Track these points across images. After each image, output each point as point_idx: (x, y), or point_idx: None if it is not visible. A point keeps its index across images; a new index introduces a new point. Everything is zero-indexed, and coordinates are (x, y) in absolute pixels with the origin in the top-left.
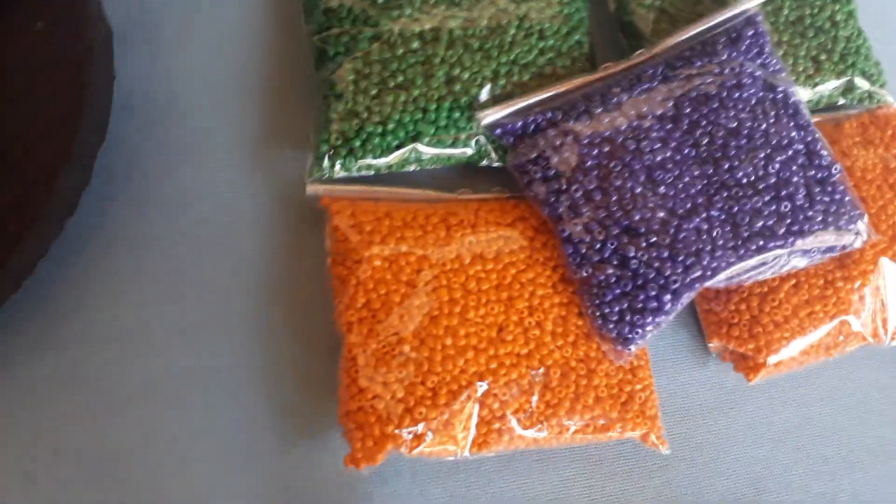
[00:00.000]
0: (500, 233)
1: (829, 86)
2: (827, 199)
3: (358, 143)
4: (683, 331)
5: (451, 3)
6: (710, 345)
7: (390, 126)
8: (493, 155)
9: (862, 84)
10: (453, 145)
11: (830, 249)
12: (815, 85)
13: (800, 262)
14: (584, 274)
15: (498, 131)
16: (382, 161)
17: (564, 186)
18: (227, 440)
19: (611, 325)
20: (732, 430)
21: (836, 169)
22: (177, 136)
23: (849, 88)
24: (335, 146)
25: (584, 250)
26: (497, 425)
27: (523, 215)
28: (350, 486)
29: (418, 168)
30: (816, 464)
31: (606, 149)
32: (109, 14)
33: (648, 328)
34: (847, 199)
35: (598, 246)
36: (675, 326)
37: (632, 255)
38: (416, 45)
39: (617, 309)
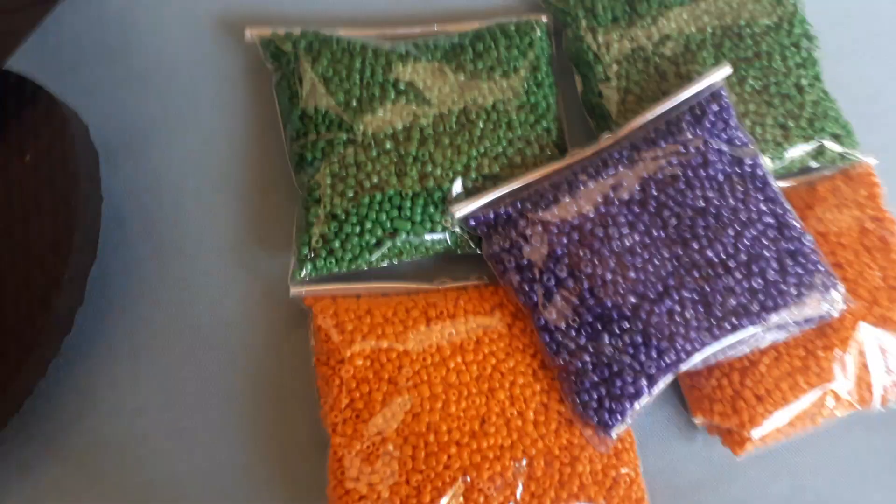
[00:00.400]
0: (479, 321)
1: (799, 150)
2: (800, 270)
3: (338, 244)
4: (668, 406)
5: (421, 101)
6: (696, 420)
7: (368, 225)
8: (471, 244)
9: (832, 147)
10: (432, 234)
11: (808, 321)
12: (785, 151)
13: (778, 336)
14: (561, 362)
15: (472, 223)
16: (362, 259)
17: (537, 275)
18: None
19: (590, 412)
20: None
21: (807, 239)
22: (165, 244)
23: (820, 152)
24: (316, 248)
25: (559, 338)
26: None
27: (501, 302)
28: None
29: (398, 262)
30: None
31: (575, 236)
32: (96, 134)
33: (628, 413)
34: (821, 268)
35: (573, 333)
36: (660, 402)
37: (606, 341)
38: (388, 145)
39: (595, 395)
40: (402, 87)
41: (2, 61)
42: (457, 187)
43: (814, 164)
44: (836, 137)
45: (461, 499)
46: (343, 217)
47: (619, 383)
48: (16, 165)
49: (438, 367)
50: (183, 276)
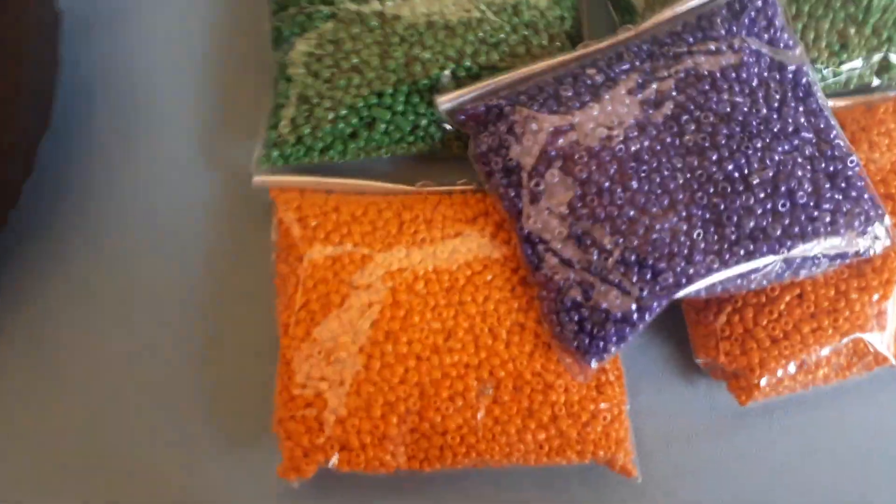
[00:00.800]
0: (458, 228)
1: (859, 63)
2: (839, 196)
3: (307, 130)
4: (669, 343)
5: None
6: (698, 360)
7: (342, 111)
8: (458, 145)
9: None
10: (413, 133)
11: (843, 256)
12: (842, 63)
13: (804, 271)
14: (542, 277)
15: (460, 117)
16: (335, 151)
17: (525, 179)
18: (167, 443)
19: (569, 336)
20: (721, 460)
21: (851, 161)
22: (131, 122)
23: (884, 67)
24: (283, 133)
25: (541, 250)
26: (437, 441)
27: (487, 210)
28: (289, 497)
29: (376, 157)
30: None
31: (574, 136)
32: (71, 4)
33: (612, 342)
34: (865, 196)
35: (558, 246)
36: (660, 338)
37: (594, 257)
38: (373, 22)
39: (576, 317)
40: None
41: None
42: (446, 77)
43: (877, 82)
44: None
45: (416, 417)
46: (316, 100)
47: (604, 305)
48: None
49: (405, 273)
50: (147, 156)
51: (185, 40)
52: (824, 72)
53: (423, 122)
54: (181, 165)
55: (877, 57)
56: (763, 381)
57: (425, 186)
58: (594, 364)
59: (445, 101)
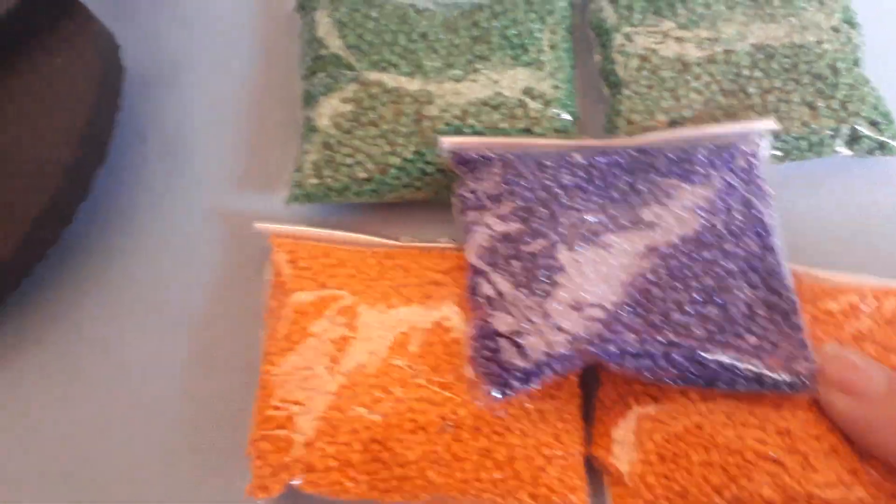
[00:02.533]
0: (433, 277)
1: (827, 129)
2: (771, 325)
3: (328, 173)
4: None
5: (430, 51)
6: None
7: (359, 157)
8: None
9: (868, 132)
10: (420, 179)
11: (758, 381)
12: (811, 132)
13: (719, 383)
14: (475, 302)
15: (457, 160)
16: (352, 191)
17: (485, 211)
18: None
19: (481, 362)
20: None
21: (792, 301)
22: (175, 164)
23: (854, 138)
24: (307, 175)
25: (481, 279)
26: (398, 471)
27: (461, 265)
28: None
29: (386, 200)
30: None
31: (542, 194)
32: (133, 62)
33: (516, 380)
34: (798, 336)
35: (497, 279)
36: None
37: (524, 298)
38: (390, 85)
39: (492, 346)
40: (414, 37)
41: None
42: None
43: (848, 152)
44: (873, 124)
45: (379, 446)
46: (336, 148)
47: (520, 342)
48: (46, 66)
49: (382, 313)
50: (182, 194)
51: (227, 99)
52: (796, 140)
53: (430, 169)
54: (208, 206)
55: (845, 127)
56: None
57: (409, 241)
58: (496, 394)
59: (448, 143)
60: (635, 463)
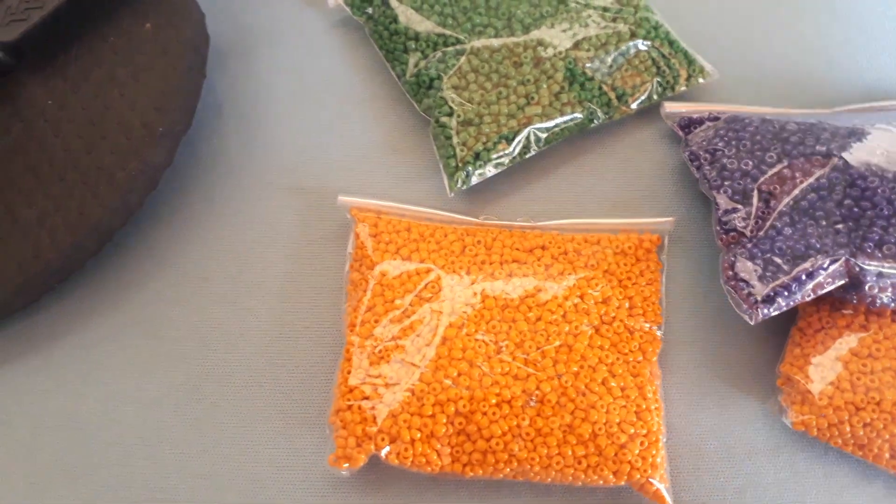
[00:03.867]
0: (515, 255)
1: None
2: None
3: (480, 146)
4: (715, 379)
5: (533, 10)
6: (780, 373)
7: (502, 120)
8: (600, 114)
9: None
10: (563, 117)
11: None
12: None
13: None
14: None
15: (680, 121)
16: (507, 155)
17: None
18: (233, 421)
19: (742, 285)
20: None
21: None
22: (254, 139)
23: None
24: (462, 156)
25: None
26: (482, 445)
27: (543, 245)
28: (334, 487)
29: (540, 150)
30: None
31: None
32: (213, 32)
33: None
34: None
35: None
36: (705, 370)
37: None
38: (496, 44)
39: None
40: None
41: None
42: (575, 66)
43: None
44: None
45: (464, 419)
46: (478, 120)
47: (776, 261)
48: (136, 31)
49: (464, 289)
50: (259, 168)
51: (301, 76)
52: None
53: (568, 109)
54: (285, 180)
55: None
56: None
57: (488, 220)
58: (765, 311)
59: (673, 108)
60: (827, 385)
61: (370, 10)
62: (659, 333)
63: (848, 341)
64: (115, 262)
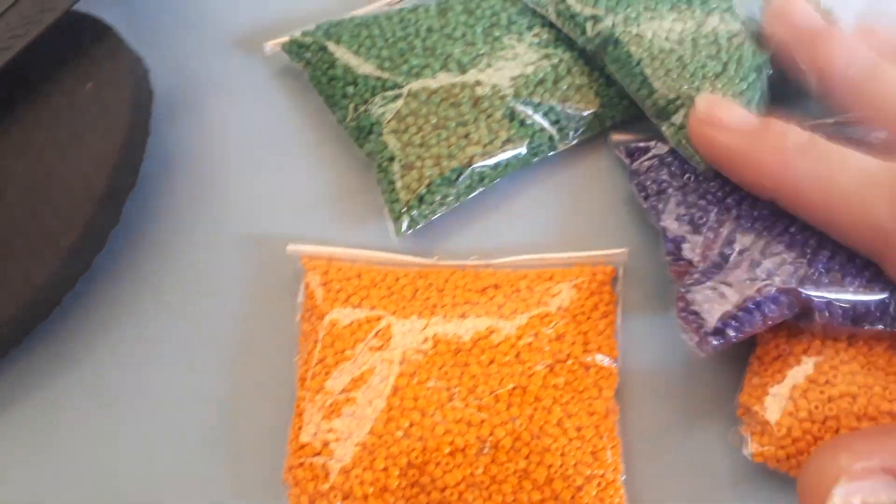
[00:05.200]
0: (467, 297)
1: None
2: None
3: (424, 189)
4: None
5: (446, 38)
6: (739, 404)
7: (444, 162)
8: (544, 148)
9: None
10: (504, 153)
11: None
12: None
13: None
14: (679, 267)
15: (625, 149)
16: (451, 196)
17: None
18: (184, 483)
19: (690, 315)
20: None
21: None
22: (206, 191)
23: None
24: (406, 201)
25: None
26: (436, 496)
27: (496, 284)
28: None
29: (486, 187)
30: None
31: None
32: (160, 84)
33: (731, 327)
34: None
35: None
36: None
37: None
38: (433, 85)
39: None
40: (423, 34)
41: (75, 2)
42: (515, 104)
43: None
44: None
45: (417, 471)
46: (419, 163)
47: (723, 291)
48: (77, 92)
49: (415, 335)
50: (210, 220)
51: (248, 124)
52: None
53: (509, 146)
54: (235, 229)
55: None
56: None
57: (440, 260)
58: (714, 343)
59: (618, 137)
60: (785, 416)
61: (308, 56)
62: (615, 367)
63: (805, 369)
64: (66, 325)
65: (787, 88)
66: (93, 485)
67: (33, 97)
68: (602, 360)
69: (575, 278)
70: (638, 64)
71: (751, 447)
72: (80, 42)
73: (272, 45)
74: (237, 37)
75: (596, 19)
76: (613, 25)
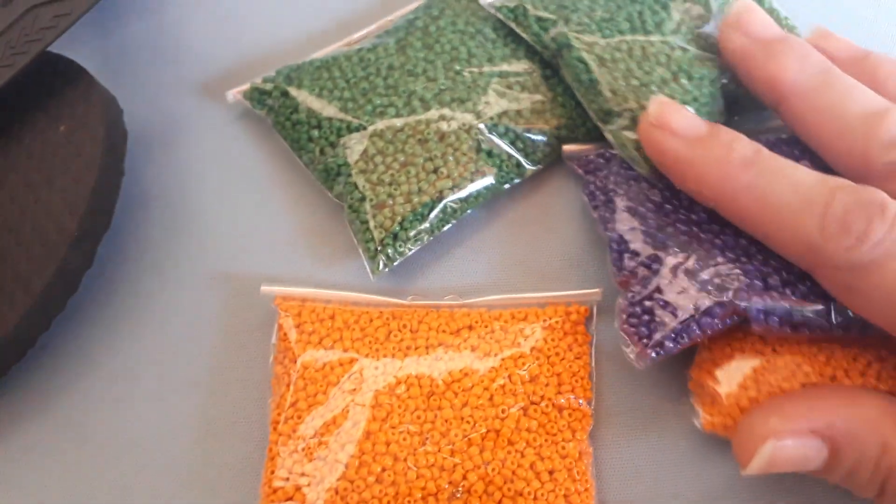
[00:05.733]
0: (441, 339)
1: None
2: None
3: (397, 227)
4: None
5: (406, 73)
6: (691, 378)
7: (414, 199)
8: (512, 175)
9: None
10: (474, 183)
11: None
12: None
13: None
14: (623, 276)
15: (579, 162)
16: (424, 231)
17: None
18: None
19: (633, 326)
20: None
21: None
22: (182, 232)
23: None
24: (381, 239)
25: (623, 254)
26: None
27: (470, 325)
28: None
29: (458, 219)
30: None
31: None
32: (135, 124)
33: (670, 338)
34: None
35: (638, 247)
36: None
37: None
38: (398, 124)
39: (640, 311)
40: (384, 72)
41: (50, 43)
42: (480, 135)
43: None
44: None
45: None
46: (390, 201)
47: (668, 300)
48: (51, 134)
49: (388, 378)
50: (188, 261)
51: (219, 165)
52: None
53: (478, 176)
54: (210, 269)
55: None
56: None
57: (415, 300)
58: (652, 354)
59: (571, 149)
60: (734, 386)
61: (270, 102)
62: (589, 409)
63: (752, 339)
64: (41, 366)
65: (745, 99)
66: None
67: (6, 138)
68: (576, 401)
69: (549, 318)
70: (587, 69)
71: (701, 418)
72: (53, 83)
73: (234, 94)
74: (209, 76)
75: (552, 25)
76: (567, 31)
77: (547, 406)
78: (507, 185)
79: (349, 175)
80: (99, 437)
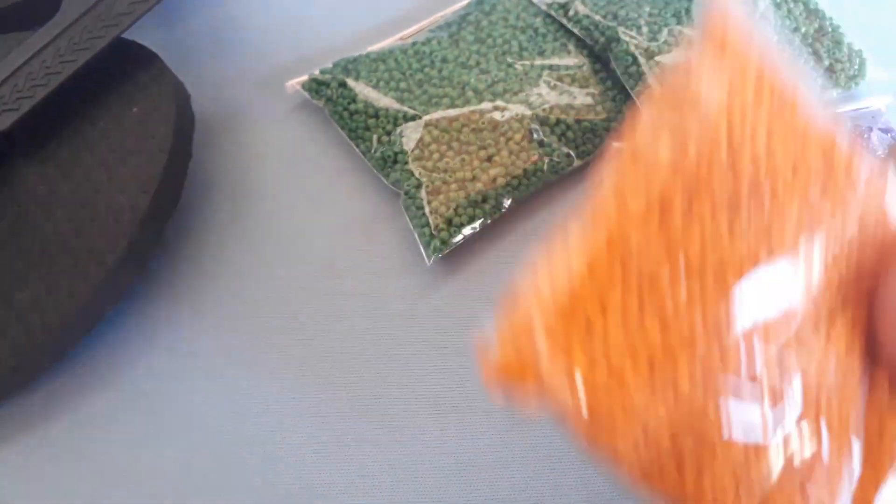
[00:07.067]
0: None
1: None
2: None
3: (451, 211)
4: None
5: (459, 66)
6: None
7: (469, 186)
8: (563, 165)
9: None
10: (525, 172)
11: None
12: None
13: None
14: None
15: None
16: (479, 213)
17: None
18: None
19: None
20: None
21: None
22: (244, 214)
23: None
24: (436, 225)
25: None
26: None
27: None
28: None
29: (513, 203)
30: None
31: None
32: (199, 109)
33: None
34: None
35: None
36: None
37: None
38: (452, 112)
39: None
40: (438, 65)
41: (126, 28)
42: (532, 125)
43: None
44: None
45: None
46: (445, 188)
47: None
48: (126, 114)
49: None
50: (251, 244)
51: (288, 154)
52: None
53: (533, 157)
54: (270, 253)
55: None
56: None
57: None
58: None
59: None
60: None
61: (328, 93)
62: None
63: None
64: (107, 339)
65: None
66: (132, 494)
67: (81, 119)
68: None
69: None
70: (635, 62)
71: None
72: (126, 67)
73: (293, 85)
74: (268, 68)
75: (603, 22)
76: (616, 26)
77: None
78: (556, 176)
79: (405, 163)
80: (159, 409)
